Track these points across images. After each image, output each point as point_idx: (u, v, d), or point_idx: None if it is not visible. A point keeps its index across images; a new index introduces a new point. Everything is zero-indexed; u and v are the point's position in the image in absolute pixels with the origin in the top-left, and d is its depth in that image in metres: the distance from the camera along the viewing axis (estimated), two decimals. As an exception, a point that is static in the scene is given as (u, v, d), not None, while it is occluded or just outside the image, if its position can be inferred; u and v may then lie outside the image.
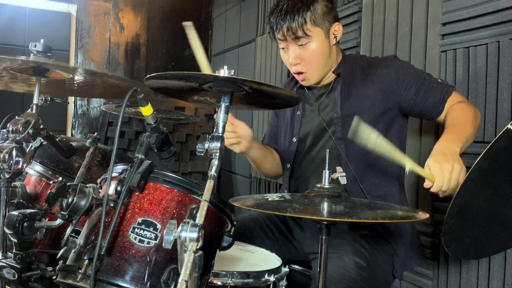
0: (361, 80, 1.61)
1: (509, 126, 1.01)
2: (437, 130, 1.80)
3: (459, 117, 1.47)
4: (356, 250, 1.48)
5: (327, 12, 1.57)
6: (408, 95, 1.55)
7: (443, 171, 1.23)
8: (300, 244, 1.71)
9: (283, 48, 1.62)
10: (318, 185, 1.21)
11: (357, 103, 1.59)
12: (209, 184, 0.91)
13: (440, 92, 1.53)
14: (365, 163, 1.58)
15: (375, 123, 1.53)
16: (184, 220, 0.82)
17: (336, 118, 1.60)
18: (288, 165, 1.75)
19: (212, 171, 0.95)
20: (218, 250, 1.14)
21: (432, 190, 1.26)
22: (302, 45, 1.56)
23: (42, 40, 1.20)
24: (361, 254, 1.47)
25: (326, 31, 1.58)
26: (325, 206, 1.12)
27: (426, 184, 1.26)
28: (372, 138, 1.22)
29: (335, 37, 1.60)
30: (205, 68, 1.43)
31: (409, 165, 1.24)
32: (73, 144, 1.46)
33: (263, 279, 1.34)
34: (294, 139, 1.73)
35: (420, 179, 1.90)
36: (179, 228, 0.81)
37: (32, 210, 1.13)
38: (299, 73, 1.62)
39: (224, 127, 1.02)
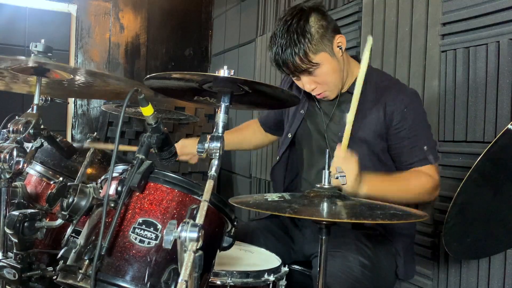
0: (371, 101, 1.56)
1: (509, 126, 1.01)
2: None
3: (407, 179, 1.50)
4: (359, 249, 1.48)
5: (324, 32, 1.50)
6: (393, 137, 1.53)
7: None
8: (300, 246, 1.71)
9: (294, 78, 1.58)
10: (318, 185, 1.21)
11: (363, 124, 1.55)
12: (209, 184, 0.92)
13: (415, 157, 1.51)
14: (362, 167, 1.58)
15: (372, 145, 1.54)
16: (184, 220, 0.82)
17: (340, 137, 1.51)
18: (277, 157, 1.80)
19: (212, 171, 0.95)
20: (218, 250, 1.14)
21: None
22: (311, 72, 1.51)
23: (42, 40, 1.20)
24: (364, 253, 1.47)
25: (330, 50, 1.51)
26: (324, 206, 1.12)
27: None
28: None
29: (340, 48, 1.54)
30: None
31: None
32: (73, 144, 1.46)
33: (262, 278, 1.34)
34: (289, 135, 1.74)
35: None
36: (179, 228, 0.82)
37: (32, 210, 1.13)
38: (318, 93, 1.58)
39: (224, 127, 1.02)
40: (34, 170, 1.47)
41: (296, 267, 1.64)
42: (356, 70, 1.56)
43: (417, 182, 1.49)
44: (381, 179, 1.47)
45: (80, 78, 1.30)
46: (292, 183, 1.81)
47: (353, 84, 1.53)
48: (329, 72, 1.52)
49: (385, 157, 1.58)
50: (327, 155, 1.23)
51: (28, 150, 1.18)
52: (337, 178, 1.22)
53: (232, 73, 0.98)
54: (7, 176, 1.14)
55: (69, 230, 1.10)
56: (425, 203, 1.82)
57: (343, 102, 1.61)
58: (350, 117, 1.35)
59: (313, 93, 1.58)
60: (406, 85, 1.70)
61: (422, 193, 1.49)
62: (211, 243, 1.11)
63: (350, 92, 1.58)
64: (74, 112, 3.94)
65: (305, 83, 1.54)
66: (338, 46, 1.54)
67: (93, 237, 1.03)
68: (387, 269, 1.56)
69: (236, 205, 1.13)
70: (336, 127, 1.63)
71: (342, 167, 1.27)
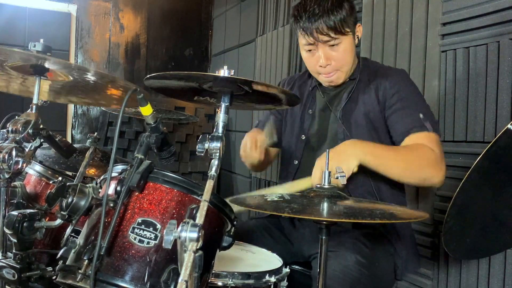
0: (365, 87, 1.63)
1: (509, 126, 1.01)
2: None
3: (405, 149, 1.47)
4: (357, 248, 1.48)
5: (352, 12, 1.58)
6: (388, 112, 1.56)
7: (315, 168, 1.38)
8: (299, 246, 1.71)
9: (310, 51, 1.61)
10: (318, 185, 1.21)
11: (356, 108, 1.61)
12: (209, 184, 0.91)
13: (410, 123, 1.50)
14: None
15: (369, 128, 1.56)
16: (184, 220, 0.82)
17: (339, 118, 1.63)
18: (296, 162, 1.75)
19: (212, 171, 0.95)
20: (218, 250, 1.14)
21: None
22: (333, 45, 1.56)
23: (41, 40, 1.19)
24: (362, 252, 1.47)
25: (353, 32, 1.59)
26: (324, 206, 1.12)
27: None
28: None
29: (357, 37, 1.63)
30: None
31: (284, 190, 1.34)
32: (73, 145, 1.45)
33: (264, 279, 1.34)
34: (303, 137, 1.74)
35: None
36: (179, 228, 0.81)
37: (32, 210, 1.13)
38: (328, 73, 1.62)
39: (224, 127, 1.02)
40: (33, 170, 1.47)
41: (297, 267, 1.64)
42: (356, 62, 1.68)
43: (418, 152, 1.45)
44: (377, 145, 1.47)
45: (79, 77, 1.30)
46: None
47: (355, 70, 1.67)
48: (348, 50, 1.58)
49: (385, 139, 1.59)
50: (327, 155, 1.22)
51: (27, 150, 1.17)
52: (337, 178, 1.22)
53: (232, 73, 0.98)
54: (6, 176, 1.14)
55: (68, 230, 1.10)
56: (426, 201, 1.82)
57: (346, 88, 1.68)
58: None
59: (325, 71, 1.61)
60: (393, 67, 1.78)
61: (424, 165, 1.43)
62: (211, 243, 1.10)
63: (352, 78, 1.67)
64: (74, 112, 3.94)
65: (323, 55, 1.57)
66: (357, 34, 1.62)
67: (93, 237, 1.03)
68: (386, 268, 1.56)
69: (235, 204, 1.13)
70: (338, 112, 1.66)
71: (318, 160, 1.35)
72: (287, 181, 1.78)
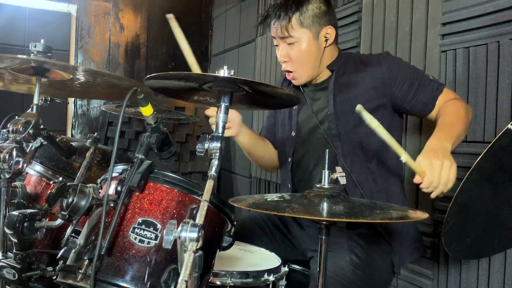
0: (353, 77, 1.61)
1: (509, 126, 1.01)
2: (437, 130, 1.80)
3: (450, 114, 1.48)
4: (351, 248, 1.47)
5: (319, 14, 1.56)
6: (400, 92, 1.55)
7: (433, 166, 1.24)
8: (298, 242, 1.71)
9: (276, 45, 1.65)
10: (318, 185, 1.21)
11: (349, 99, 1.58)
12: (209, 184, 0.92)
13: (431, 90, 1.53)
14: (361, 160, 1.58)
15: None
16: (184, 220, 0.82)
17: (330, 115, 1.61)
18: (289, 159, 1.75)
19: (212, 171, 0.95)
20: (218, 250, 1.14)
21: (422, 185, 1.27)
22: (290, 44, 1.58)
23: (42, 40, 1.20)
24: (356, 252, 1.46)
25: (316, 33, 1.57)
26: (324, 206, 1.12)
27: (416, 179, 1.27)
28: (373, 125, 1.26)
29: (326, 40, 1.59)
30: (190, 58, 1.56)
31: (404, 157, 1.26)
32: (73, 144, 1.45)
33: (262, 279, 1.34)
34: (293, 133, 1.73)
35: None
36: (179, 228, 0.81)
37: (32, 210, 1.13)
38: (288, 71, 1.64)
39: (224, 127, 1.02)
40: (34, 170, 1.47)
41: (296, 266, 1.64)
42: (333, 58, 1.66)
43: (455, 108, 1.49)
44: (440, 131, 1.43)
45: (80, 77, 1.30)
46: (301, 182, 1.77)
47: (333, 62, 1.65)
48: (304, 52, 1.58)
49: (387, 120, 1.58)
50: (327, 155, 1.23)
51: (27, 150, 1.18)
52: (337, 178, 1.22)
53: (232, 73, 0.98)
54: (7, 176, 1.14)
55: (68, 230, 1.10)
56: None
57: (327, 83, 1.66)
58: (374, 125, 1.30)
59: (283, 69, 1.65)
60: (376, 53, 1.76)
61: (465, 109, 1.49)
62: (211, 243, 1.11)
63: (330, 69, 1.65)
64: (74, 112, 3.94)
65: (281, 51, 1.61)
66: (325, 37, 1.60)
67: (93, 237, 1.03)
68: (382, 267, 1.55)
69: (236, 205, 1.13)
70: (321, 105, 1.66)
71: (433, 159, 1.26)
72: (287, 182, 1.79)
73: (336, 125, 1.59)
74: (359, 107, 1.27)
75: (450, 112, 1.48)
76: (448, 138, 1.35)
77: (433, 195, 1.28)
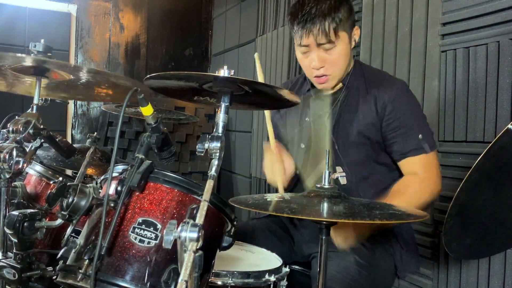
0: (361, 94, 1.58)
1: (509, 126, 1.00)
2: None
3: (399, 195, 1.46)
4: (356, 248, 1.48)
5: (350, 16, 1.54)
6: (385, 125, 1.53)
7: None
8: (299, 245, 1.71)
9: (304, 53, 1.57)
10: (318, 185, 1.21)
11: (353, 118, 1.57)
12: (209, 184, 0.91)
13: (408, 147, 1.49)
14: (361, 174, 1.58)
15: (364, 142, 1.54)
16: (184, 220, 0.82)
17: (331, 127, 1.59)
18: (297, 172, 1.71)
19: (212, 171, 0.95)
20: (218, 250, 1.14)
21: None
22: (327, 49, 1.52)
23: (42, 40, 1.20)
24: (361, 253, 1.47)
25: (349, 34, 1.55)
26: (324, 206, 1.12)
27: None
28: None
29: (354, 41, 1.58)
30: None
31: None
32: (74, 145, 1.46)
33: (263, 279, 1.34)
34: (302, 146, 1.69)
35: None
36: (179, 228, 0.81)
37: (32, 210, 1.13)
38: (321, 76, 1.58)
39: (224, 127, 1.02)
40: (34, 170, 1.47)
41: (297, 267, 1.64)
42: (352, 63, 1.64)
43: (414, 190, 1.47)
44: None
45: (79, 77, 1.30)
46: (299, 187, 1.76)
47: (350, 77, 1.62)
48: (342, 54, 1.54)
49: (383, 154, 1.58)
50: (327, 155, 1.22)
51: (27, 150, 1.18)
52: (337, 178, 1.22)
53: (232, 73, 0.98)
54: (7, 176, 1.14)
55: (69, 230, 1.10)
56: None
57: (339, 96, 1.63)
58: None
59: (316, 74, 1.57)
60: (394, 77, 1.73)
61: (423, 201, 1.46)
62: (211, 243, 1.11)
63: (343, 83, 1.62)
64: (74, 112, 3.94)
65: (316, 58, 1.53)
66: (353, 38, 1.58)
67: (93, 237, 1.03)
68: (385, 268, 1.55)
69: (236, 205, 1.13)
70: (332, 120, 1.64)
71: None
72: (289, 191, 1.76)
73: (336, 138, 1.60)
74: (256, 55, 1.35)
75: (406, 190, 1.48)
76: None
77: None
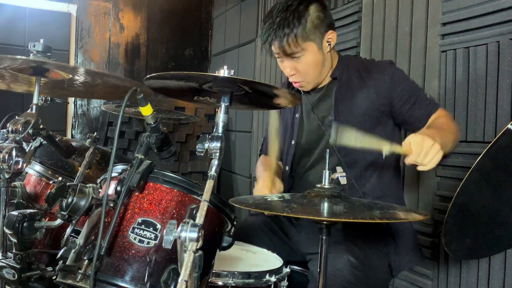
0: (356, 83, 1.61)
1: (509, 126, 1.01)
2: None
3: (442, 125, 1.49)
4: (349, 249, 1.47)
5: (319, 24, 1.54)
6: (398, 103, 1.56)
7: (423, 144, 1.24)
8: (297, 245, 1.70)
9: (278, 58, 1.62)
10: (318, 185, 1.21)
11: (351, 106, 1.59)
12: (209, 184, 0.91)
13: (426, 107, 1.54)
14: (363, 166, 1.58)
15: (370, 127, 1.54)
16: (184, 220, 0.82)
17: (331, 121, 1.61)
18: (287, 168, 1.74)
19: (212, 171, 0.95)
20: (218, 250, 1.14)
21: (408, 161, 1.27)
22: (295, 57, 1.55)
23: (41, 40, 1.19)
24: (354, 253, 1.46)
25: (319, 42, 1.56)
26: (325, 206, 1.12)
27: (407, 160, 1.28)
28: (352, 138, 1.28)
29: (329, 44, 1.59)
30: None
31: (386, 149, 1.27)
32: (73, 144, 1.45)
33: (264, 279, 1.34)
34: (293, 142, 1.72)
35: (419, 179, 1.90)
36: (179, 228, 0.81)
37: (32, 210, 1.13)
38: (296, 82, 1.63)
39: (224, 127, 1.02)
40: (33, 170, 1.47)
41: (296, 267, 1.64)
42: (335, 61, 1.66)
43: (447, 122, 1.51)
44: (430, 129, 1.45)
45: (79, 78, 1.30)
46: (298, 186, 1.76)
47: (335, 69, 1.65)
48: (311, 63, 1.57)
49: (388, 130, 1.60)
50: (327, 155, 1.22)
51: (27, 150, 1.17)
52: (337, 178, 1.22)
53: (232, 73, 0.98)
54: (6, 176, 1.14)
55: (68, 230, 1.10)
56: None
57: (330, 89, 1.66)
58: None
59: (291, 80, 1.63)
60: (379, 60, 1.77)
61: (456, 130, 1.51)
62: (211, 243, 1.10)
63: (332, 77, 1.65)
64: (74, 112, 3.94)
65: (287, 67, 1.59)
66: (327, 42, 1.59)
67: (93, 237, 1.03)
68: (379, 268, 1.55)
69: (236, 205, 1.13)
70: (325, 112, 1.66)
71: (426, 138, 1.26)
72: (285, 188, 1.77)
73: (336, 131, 1.59)
74: (334, 127, 1.42)
75: (442, 123, 1.50)
76: (437, 137, 1.33)
77: (418, 168, 1.28)
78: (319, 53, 1.57)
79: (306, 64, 1.56)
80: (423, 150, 1.23)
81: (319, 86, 1.69)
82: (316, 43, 1.55)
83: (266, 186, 1.58)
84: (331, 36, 1.58)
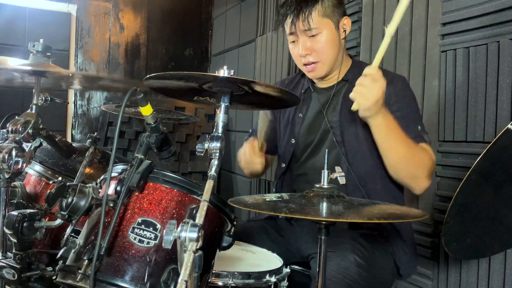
0: None
1: (509, 126, 1.01)
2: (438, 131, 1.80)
3: (414, 146, 1.45)
4: (356, 249, 1.47)
5: (337, 5, 1.59)
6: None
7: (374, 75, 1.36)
8: (297, 246, 1.70)
9: (293, 42, 1.62)
10: (317, 185, 1.21)
11: (350, 112, 1.56)
12: (209, 184, 0.91)
13: (411, 133, 1.48)
14: (366, 166, 1.58)
15: (369, 133, 1.53)
16: (184, 220, 0.82)
17: (335, 121, 1.61)
18: (283, 165, 1.74)
19: (212, 171, 0.95)
20: (218, 250, 1.14)
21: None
22: (312, 36, 1.56)
23: (41, 40, 1.20)
24: (360, 253, 1.47)
25: (336, 23, 1.58)
26: (323, 206, 1.12)
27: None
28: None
29: (344, 31, 1.61)
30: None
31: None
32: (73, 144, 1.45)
33: (264, 279, 1.34)
34: (293, 141, 1.72)
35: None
36: (179, 228, 0.81)
37: (31, 210, 1.13)
38: (309, 64, 1.61)
39: (224, 127, 1.02)
40: (33, 170, 1.47)
41: (296, 267, 1.64)
42: (347, 62, 1.68)
43: (422, 152, 1.47)
44: (395, 125, 1.44)
45: (79, 77, 1.30)
46: (298, 187, 1.75)
47: (348, 71, 1.66)
48: (328, 42, 1.58)
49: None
50: (326, 155, 1.22)
51: (27, 150, 1.18)
52: (336, 178, 1.22)
53: (232, 73, 0.98)
54: (6, 176, 1.14)
55: (68, 230, 1.10)
56: (422, 200, 1.82)
57: (340, 90, 1.66)
58: (390, 29, 1.35)
59: (304, 62, 1.61)
60: (395, 73, 1.77)
61: (422, 164, 1.45)
62: (211, 243, 1.10)
63: (345, 79, 1.65)
64: (74, 112, 3.94)
65: (303, 45, 1.58)
66: (343, 28, 1.61)
67: (93, 237, 1.03)
68: (384, 268, 1.55)
69: (236, 205, 1.13)
70: (331, 112, 1.65)
71: (369, 85, 1.33)
72: (278, 184, 1.79)
73: (340, 132, 1.60)
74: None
75: (413, 147, 1.45)
76: (388, 120, 1.39)
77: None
78: (336, 34, 1.59)
79: (324, 42, 1.57)
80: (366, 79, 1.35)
81: (329, 84, 1.68)
82: (333, 23, 1.57)
83: (249, 145, 1.64)
84: (346, 22, 1.61)
